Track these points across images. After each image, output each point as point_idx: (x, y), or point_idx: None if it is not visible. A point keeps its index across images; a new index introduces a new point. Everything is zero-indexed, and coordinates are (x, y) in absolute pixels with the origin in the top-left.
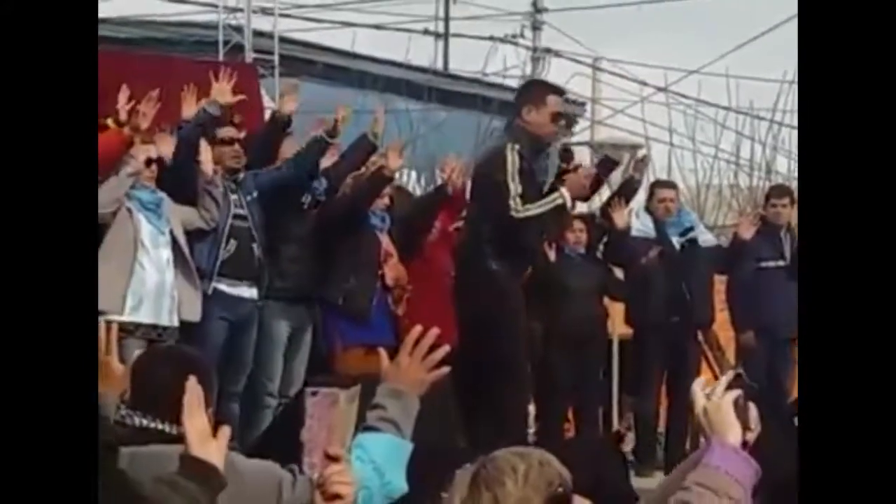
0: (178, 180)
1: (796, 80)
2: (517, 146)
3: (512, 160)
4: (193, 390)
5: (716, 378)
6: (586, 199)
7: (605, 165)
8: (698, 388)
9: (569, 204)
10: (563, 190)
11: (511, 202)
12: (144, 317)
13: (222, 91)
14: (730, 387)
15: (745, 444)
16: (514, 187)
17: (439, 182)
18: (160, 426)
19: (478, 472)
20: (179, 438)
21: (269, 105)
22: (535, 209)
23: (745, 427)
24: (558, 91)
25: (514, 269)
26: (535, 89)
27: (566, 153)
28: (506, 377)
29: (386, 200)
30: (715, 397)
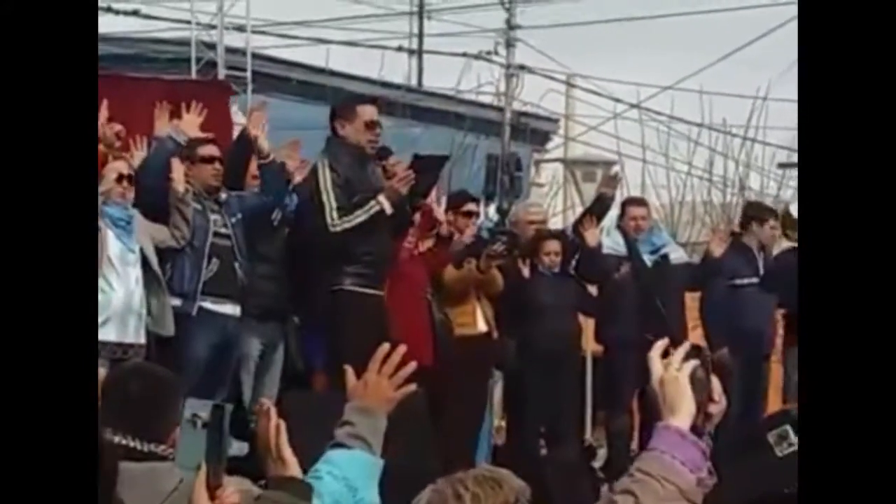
0: (149, 200)
1: (769, 96)
2: (327, 161)
3: (323, 174)
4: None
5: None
6: (423, 195)
7: (421, 162)
8: (657, 355)
9: (387, 209)
10: (380, 197)
11: (328, 218)
12: (110, 335)
13: (191, 124)
14: (688, 357)
15: (707, 416)
16: (329, 201)
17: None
18: (130, 443)
19: None
20: (149, 455)
21: (242, 122)
22: (352, 221)
23: (710, 399)
24: (371, 100)
25: (368, 283)
26: (345, 103)
27: (381, 152)
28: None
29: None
30: (672, 368)
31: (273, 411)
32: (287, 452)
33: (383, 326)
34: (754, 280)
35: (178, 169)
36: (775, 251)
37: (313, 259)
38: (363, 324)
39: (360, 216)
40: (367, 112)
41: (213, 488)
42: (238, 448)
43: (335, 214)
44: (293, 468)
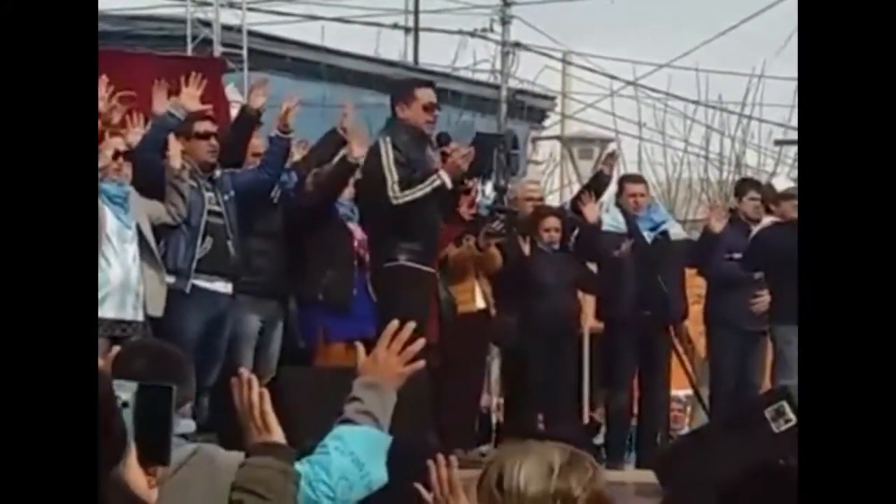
0: (146, 177)
1: (765, 73)
2: (388, 139)
3: (385, 151)
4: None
5: (686, 373)
6: (478, 174)
7: (481, 141)
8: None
9: (448, 183)
10: (441, 171)
11: (389, 191)
12: (108, 312)
13: (191, 97)
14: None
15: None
16: (391, 176)
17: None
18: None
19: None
20: None
21: (238, 99)
22: (414, 193)
23: None
24: (427, 84)
25: (420, 259)
26: (404, 86)
27: (441, 138)
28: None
29: (352, 190)
30: None
31: (254, 380)
32: (271, 419)
33: (430, 304)
34: None
35: (174, 146)
36: (761, 225)
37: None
38: (415, 299)
39: (422, 188)
40: (426, 95)
41: (146, 466)
42: (185, 426)
43: (397, 188)
44: (278, 435)
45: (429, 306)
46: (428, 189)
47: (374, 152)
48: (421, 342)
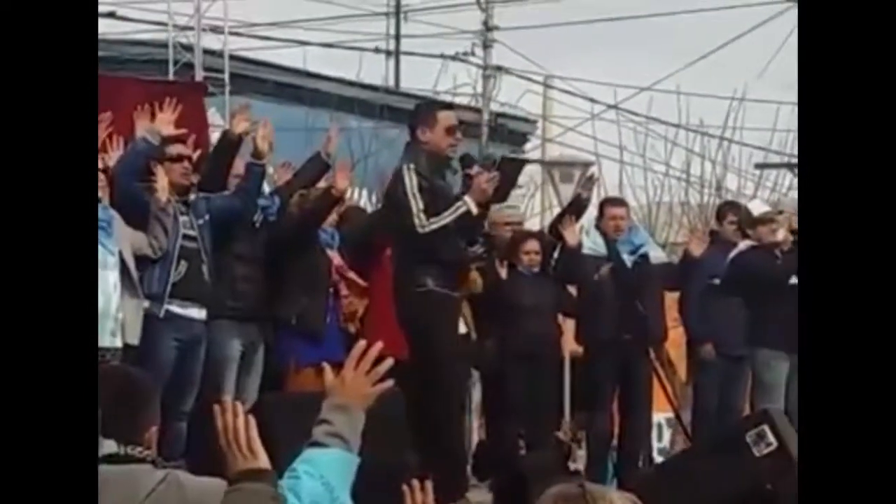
0: (120, 201)
1: (745, 97)
2: (412, 166)
3: (409, 179)
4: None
5: (667, 397)
6: (500, 200)
7: (507, 165)
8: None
9: (473, 210)
10: (466, 197)
11: (416, 220)
12: None
13: (165, 122)
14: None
15: None
16: (416, 204)
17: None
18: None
19: None
20: (126, 458)
21: (219, 123)
22: (439, 221)
23: None
24: (448, 106)
25: (447, 284)
26: (425, 109)
27: (465, 160)
28: (444, 395)
29: (335, 216)
30: None
31: (239, 407)
32: (257, 445)
33: (457, 329)
34: None
35: (162, 177)
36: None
37: (399, 261)
38: (443, 324)
39: (447, 216)
40: (448, 118)
41: None
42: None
43: (423, 216)
44: (263, 460)
45: (457, 331)
46: (453, 217)
47: (398, 179)
48: (389, 362)
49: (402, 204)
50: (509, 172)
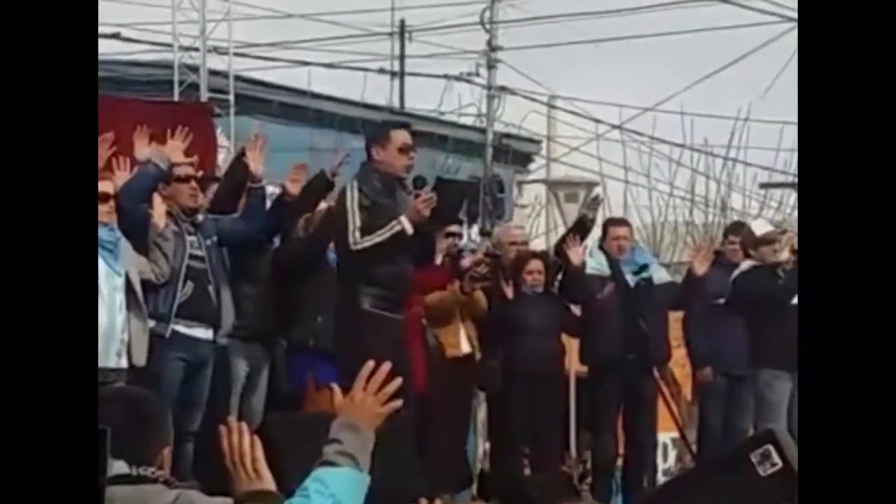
0: (127, 224)
1: (749, 117)
2: (356, 183)
3: (351, 195)
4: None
5: (672, 416)
6: (445, 222)
7: (443, 187)
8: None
9: (408, 229)
10: (402, 217)
11: (350, 237)
12: None
13: (175, 149)
14: None
15: None
16: (353, 221)
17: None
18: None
19: None
20: (138, 479)
21: (224, 144)
22: (373, 239)
23: None
24: (404, 126)
25: (387, 306)
26: (379, 128)
27: (417, 181)
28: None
29: None
30: None
31: (244, 427)
32: (262, 466)
33: (397, 351)
34: None
35: (158, 204)
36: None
37: (336, 279)
38: (378, 346)
39: (381, 235)
40: (401, 137)
41: None
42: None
43: (357, 234)
44: (268, 482)
45: (397, 353)
46: (387, 235)
47: (342, 195)
48: (398, 382)
49: (342, 220)
50: (447, 194)
